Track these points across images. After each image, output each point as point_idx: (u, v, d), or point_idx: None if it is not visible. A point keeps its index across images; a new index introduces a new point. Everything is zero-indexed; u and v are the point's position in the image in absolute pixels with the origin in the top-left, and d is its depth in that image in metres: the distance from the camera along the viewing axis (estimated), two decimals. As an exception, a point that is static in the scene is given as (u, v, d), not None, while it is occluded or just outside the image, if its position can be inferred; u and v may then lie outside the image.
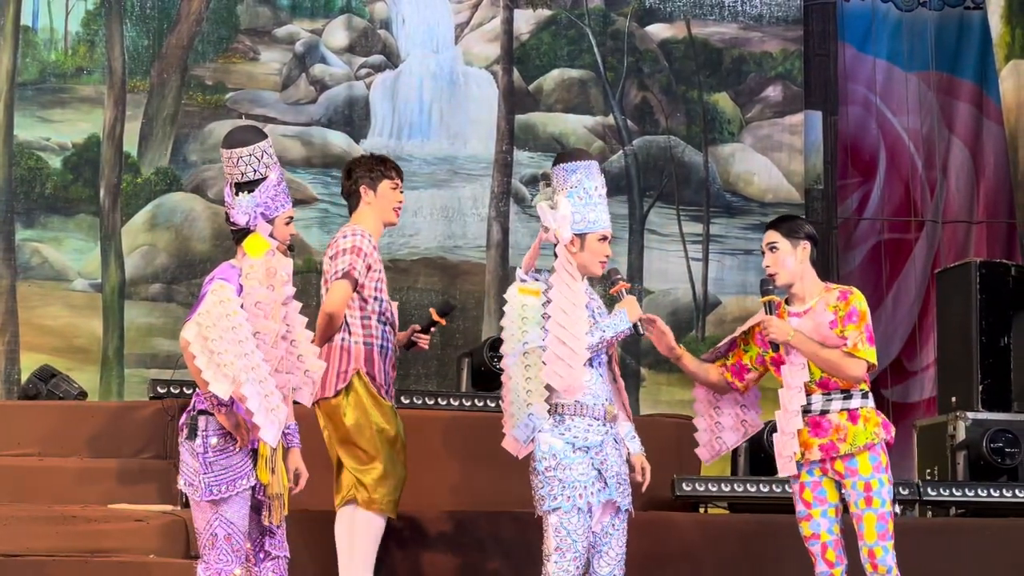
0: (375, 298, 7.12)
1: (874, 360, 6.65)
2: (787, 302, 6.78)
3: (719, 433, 7.02)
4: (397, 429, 7.14)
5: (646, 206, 12.13)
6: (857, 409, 6.65)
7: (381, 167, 7.26)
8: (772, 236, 6.75)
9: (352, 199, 7.28)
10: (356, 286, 7.03)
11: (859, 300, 6.68)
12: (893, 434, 6.72)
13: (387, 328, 7.18)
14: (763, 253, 6.78)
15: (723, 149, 12.36)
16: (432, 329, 7.45)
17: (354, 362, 7.05)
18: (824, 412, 6.65)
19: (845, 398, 6.66)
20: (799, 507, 6.70)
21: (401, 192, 7.31)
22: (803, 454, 6.64)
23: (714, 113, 12.35)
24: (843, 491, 6.63)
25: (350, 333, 7.07)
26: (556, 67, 12.17)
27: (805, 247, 6.72)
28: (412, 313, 10.42)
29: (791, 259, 6.71)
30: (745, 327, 6.87)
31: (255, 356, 5.96)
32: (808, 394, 6.66)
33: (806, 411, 6.66)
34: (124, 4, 11.30)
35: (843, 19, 12.82)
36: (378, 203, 7.22)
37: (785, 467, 6.68)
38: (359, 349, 7.07)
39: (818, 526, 6.66)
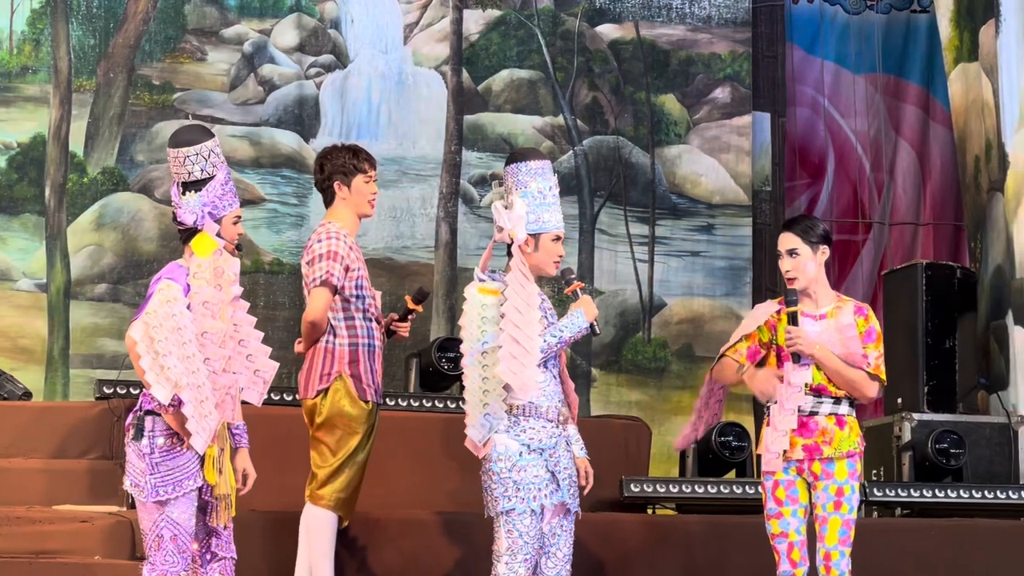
0: (357, 296, 7.12)
1: (885, 380, 6.70)
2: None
3: (698, 427, 7.01)
4: (368, 431, 7.12)
5: (596, 206, 12.13)
6: (844, 416, 6.68)
7: (354, 161, 7.22)
8: (792, 241, 6.69)
9: (326, 194, 7.26)
10: (336, 291, 7.02)
11: (875, 319, 6.72)
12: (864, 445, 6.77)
13: (372, 324, 7.18)
14: (780, 256, 6.72)
15: (670, 151, 12.37)
16: (410, 317, 7.43)
17: (337, 364, 7.06)
18: (813, 414, 6.66)
19: (835, 403, 6.67)
20: (769, 504, 6.68)
21: (375, 183, 7.29)
22: (785, 452, 6.65)
23: (660, 115, 12.36)
24: (813, 493, 6.64)
25: (335, 335, 7.08)
26: (505, 67, 12.15)
27: (824, 252, 6.70)
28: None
29: (811, 264, 6.67)
30: (757, 324, 6.80)
31: (196, 359, 5.95)
32: None
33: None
34: (70, 3, 11.23)
35: (791, 21, 12.85)
36: (353, 198, 7.21)
37: (771, 463, 6.66)
38: (343, 351, 7.08)
39: (787, 525, 6.64)
